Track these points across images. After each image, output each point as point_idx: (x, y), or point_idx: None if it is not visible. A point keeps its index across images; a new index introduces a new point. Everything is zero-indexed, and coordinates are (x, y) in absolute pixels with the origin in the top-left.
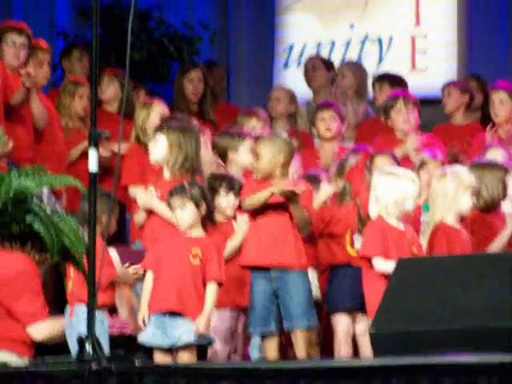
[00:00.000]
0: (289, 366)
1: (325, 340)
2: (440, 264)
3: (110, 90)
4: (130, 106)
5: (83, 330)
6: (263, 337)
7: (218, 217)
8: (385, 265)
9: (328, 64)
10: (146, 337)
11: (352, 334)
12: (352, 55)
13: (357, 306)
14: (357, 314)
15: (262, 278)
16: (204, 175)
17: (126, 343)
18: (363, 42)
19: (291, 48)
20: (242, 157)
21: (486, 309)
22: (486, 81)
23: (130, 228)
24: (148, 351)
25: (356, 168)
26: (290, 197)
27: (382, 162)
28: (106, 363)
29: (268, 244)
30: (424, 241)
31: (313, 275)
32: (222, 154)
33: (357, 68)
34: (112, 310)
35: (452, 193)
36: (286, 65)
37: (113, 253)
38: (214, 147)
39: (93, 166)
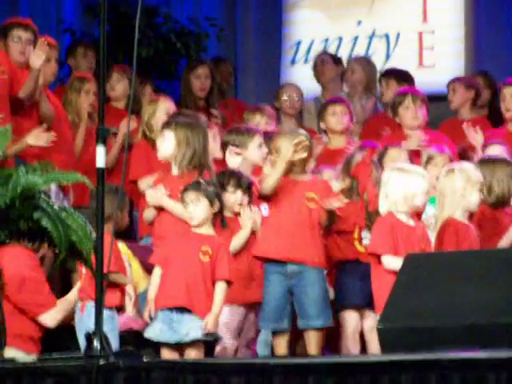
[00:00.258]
0: (297, 361)
1: (332, 336)
2: (448, 260)
3: (120, 86)
4: (138, 103)
5: (93, 326)
6: (274, 333)
7: (225, 212)
8: (394, 262)
9: (337, 59)
10: (153, 332)
11: (360, 331)
12: (359, 51)
13: (365, 303)
14: (365, 311)
15: (278, 273)
16: (213, 171)
17: (133, 339)
18: (370, 39)
19: (298, 44)
20: (251, 153)
21: (494, 305)
22: (494, 77)
23: (138, 224)
24: (155, 348)
25: (362, 164)
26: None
27: (395, 155)
28: (114, 359)
29: (287, 237)
30: (432, 235)
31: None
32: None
33: (366, 63)
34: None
35: (460, 189)
36: (293, 61)
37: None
38: (223, 144)
39: (100, 161)
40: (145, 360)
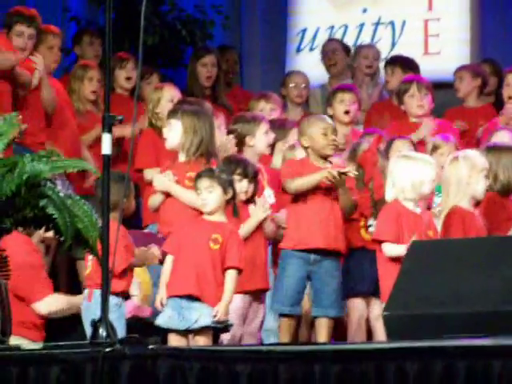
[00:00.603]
0: (303, 349)
1: (338, 324)
2: (454, 247)
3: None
4: (139, 89)
5: (99, 313)
6: (281, 316)
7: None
8: (394, 250)
9: (346, 47)
10: (162, 319)
11: (366, 318)
12: (365, 39)
13: (371, 291)
14: (371, 299)
15: (300, 259)
16: (219, 159)
17: (140, 327)
18: (376, 26)
19: (304, 32)
20: (258, 141)
21: (500, 292)
22: (500, 64)
23: (142, 212)
24: (163, 335)
25: (369, 152)
26: (340, 181)
27: (400, 147)
28: (120, 347)
29: (313, 227)
30: (438, 224)
31: None
32: (238, 140)
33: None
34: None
35: (465, 177)
36: (298, 49)
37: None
38: (230, 133)
39: (106, 148)
40: (151, 347)
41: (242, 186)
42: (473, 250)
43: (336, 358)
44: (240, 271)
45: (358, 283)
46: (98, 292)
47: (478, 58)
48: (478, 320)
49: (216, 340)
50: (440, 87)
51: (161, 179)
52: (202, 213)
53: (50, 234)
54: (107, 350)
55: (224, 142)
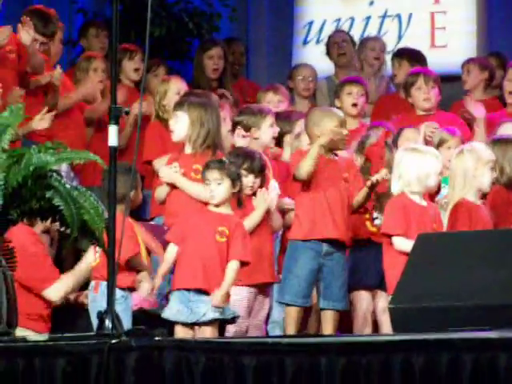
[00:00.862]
0: (309, 341)
1: (344, 317)
2: (460, 239)
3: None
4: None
5: (105, 305)
6: (287, 307)
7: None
8: (405, 244)
9: (353, 40)
10: (170, 312)
11: (372, 311)
12: (371, 32)
13: (377, 283)
14: (377, 291)
15: (312, 250)
16: (225, 151)
17: (146, 319)
18: (382, 19)
19: (310, 24)
20: (264, 133)
21: (506, 285)
22: (506, 57)
23: (149, 204)
24: (169, 326)
25: (376, 145)
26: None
27: (410, 136)
28: (126, 338)
29: (325, 218)
30: (444, 217)
31: None
32: (245, 131)
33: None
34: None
35: (471, 170)
36: (305, 41)
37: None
38: (235, 124)
39: (112, 140)
40: (157, 339)
41: (249, 181)
42: (479, 243)
43: (342, 350)
44: (246, 264)
45: (363, 276)
46: (104, 284)
47: (485, 51)
48: (484, 313)
49: (222, 332)
50: (447, 80)
51: (167, 171)
52: (207, 204)
53: (55, 225)
54: (113, 341)
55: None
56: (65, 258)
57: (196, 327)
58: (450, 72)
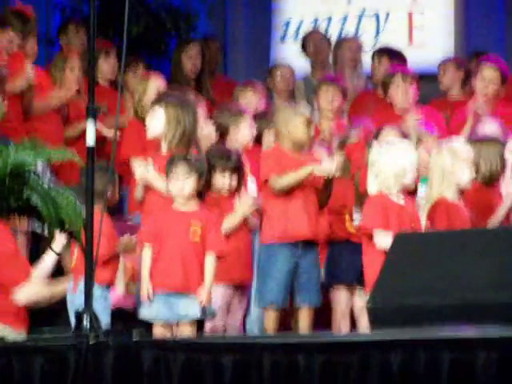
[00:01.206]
0: (288, 340)
1: (322, 314)
2: (438, 238)
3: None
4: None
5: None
6: (266, 309)
7: (214, 193)
8: (385, 237)
9: (328, 39)
10: (149, 313)
11: (350, 309)
12: (349, 31)
13: (355, 281)
14: (355, 289)
15: (288, 252)
16: (201, 149)
17: (124, 317)
18: (360, 18)
19: (288, 23)
20: (242, 132)
21: (484, 283)
22: None
23: (127, 201)
24: (147, 325)
25: (357, 144)
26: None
27: (390, 134)
28: (104, 337)
29: (300, 219)
30: (423, 216)
31: None
32: (222, 131)
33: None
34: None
35: (449, 167)
36: (283, 38)
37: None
38: (213, 123)
39: (90, 140)
40: (135, 339)
41: (225, 180)
42: (458, 242)
43: (320, 349)
44: (221, 256)
45: (342, 272)
46: (82, 283)
47: (463, 50)
48: (462, 311)
49: (200, 329)
50: (424, 79)
51: (140, 171)
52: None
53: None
54: (91, 341)
55: (206, 133)
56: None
57: (174, 326)
58: (428, 71)
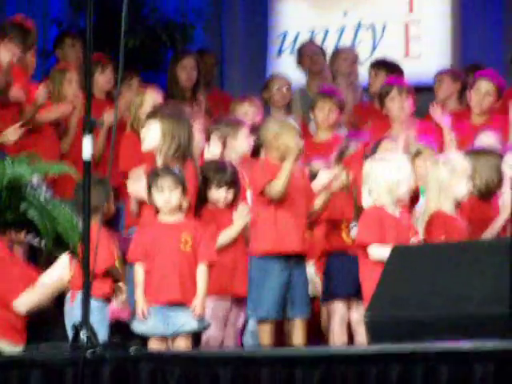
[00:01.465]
0: (285, 353)
1: (318, 328)
2: (435, 251)
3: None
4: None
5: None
6: (260, 322)
7: (210, 205)
8: (381, 252)
9: (323, 50)
10: (145, 328)
11: (347, 322)
12: (345, 43)
13: (352, 293)
14: (353, 302)
15: (282, 263)
16: (196, 161)
17: (121, 330)
18: (357, 30)
19: (284, 36)
20: (240, 143)
21: (481, 295)
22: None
23: (123, 215)
24: (143, 338)
25: (355, 156)
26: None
27: (388, 147)
28: (101, 351)
29: (292, 231)
30: (420, 229)
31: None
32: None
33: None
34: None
35: (446, 180)
36: (279, 52)
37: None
38: (209, 134)
39: (87, 153)
40: (132, 351)
41: (220, 195)
42: (455, 254)
43: (317, 362)
44: (212, 264)
45: (339, 286)
46: (80, 295)
47: (460, 61)
48: (459, 324)
49: (197, 343)
50: (421, 90)
51: (133, 185)
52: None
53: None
54: (88, 353)
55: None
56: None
57: (169, 339)
58: (425, 82)
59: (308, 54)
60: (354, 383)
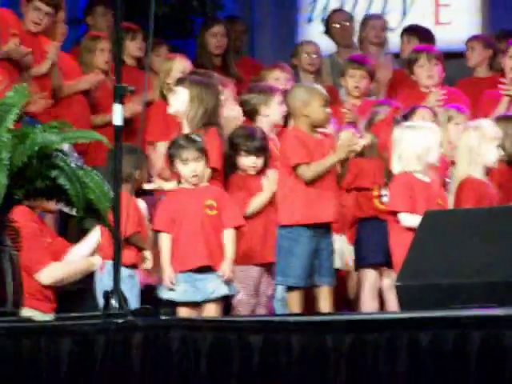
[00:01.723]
0: (316, 319)
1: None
2: (467, 216)
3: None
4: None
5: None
6: (289, 290)
7: (240, 173)
8: (411, 219)
9: (352, 18)
10: (176, 294)
11: (379, 289)
12: (375, 9)
13: (383, 261)
14: (383, 269)
15: (311, 233)
16: (223, 129)
17: (149, 298)
18: None
19: (315, 2)
20: (272, 111)
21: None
22: None
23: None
24: (172, 306)
25: (384, 122)
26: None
27: (424, 115)
28: (132, 318)
29: (323, 201)
30: (451, 195)
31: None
32: (252, 111)
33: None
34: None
35: (476, 146)
36: (309, 19)
37: (142, 204)
38: (243, 104)
39: (117, 119)
40: (163, 318)
41: (249, 162)
42: (486, 220)
43: (349, 328)
44: (239, 227)
45: (370, 253)
46: (110, 263)
47: (489, 28)
48: (490, 290)
49: (228, 310)
50: (451, 57)
51: (149, 187)
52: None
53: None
54: (119, 321)
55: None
56: (70, 239)
57: (201, 306)
58: (455, 49)
59: (336, 22)
60: (386, 349)
